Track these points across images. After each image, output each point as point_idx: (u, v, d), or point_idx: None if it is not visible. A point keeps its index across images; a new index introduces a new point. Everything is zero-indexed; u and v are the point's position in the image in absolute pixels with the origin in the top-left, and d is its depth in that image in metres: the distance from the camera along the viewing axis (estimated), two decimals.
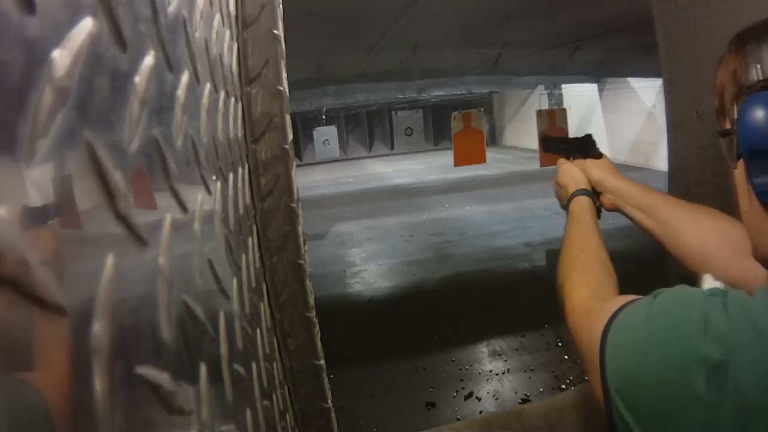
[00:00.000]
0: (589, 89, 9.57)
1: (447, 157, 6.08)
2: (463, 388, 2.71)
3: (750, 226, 0.61)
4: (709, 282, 0.61)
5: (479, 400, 2.61)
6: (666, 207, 0.95)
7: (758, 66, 0.55)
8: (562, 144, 1.26)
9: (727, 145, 0.60)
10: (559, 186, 1.13)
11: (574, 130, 3.16)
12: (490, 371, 2.86)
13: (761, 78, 0.55)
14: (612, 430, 0.57)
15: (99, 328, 0.27)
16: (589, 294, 0.76)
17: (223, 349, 0.56)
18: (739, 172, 0.59)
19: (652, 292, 0.60)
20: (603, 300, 0.70)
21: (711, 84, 0.64)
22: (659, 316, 0.55)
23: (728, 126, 0.60)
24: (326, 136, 11.03)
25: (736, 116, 0.57)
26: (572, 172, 1.10)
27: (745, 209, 0.61)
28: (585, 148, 1.16)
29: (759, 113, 0.53)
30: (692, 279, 0.82)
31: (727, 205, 0.90)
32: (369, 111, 14.52)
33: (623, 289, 0.79)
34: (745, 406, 0.46)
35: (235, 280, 0.69)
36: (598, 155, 1.13)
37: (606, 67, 5.56)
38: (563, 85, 10.06)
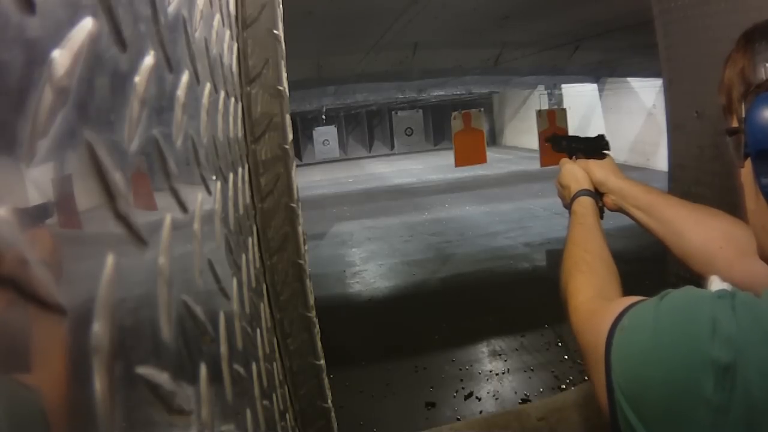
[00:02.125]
0: (589, 89, 9.57)
1: (447, 157, 6.08)
2: (463, 388, 2.71)
3: (756, 226, 0.61)
4: (716, 283, 0.61)
5: (479, 400, 2.61)
6: (669, 207, 0.94)
7: (767, 65, 0.55)
8: (573, 143, 1.23)
9: (734, 144, 0.59)
10: (561, 186, 1.12)
11: (574, 130, 3.16)
12: (490, 371, 2.86)
13: None
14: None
15: (99, 328, 0.27)
16: (593, 294, 0.76)
17: (223, 349, 0.55)
18: (746, 171, 0.58)
19: (651, 292, 0.60)
20: (607, 301, 0.69)
21: (718, 81, 0.63)
22: (667, 318, 0.54)
23: (735, 124, 0.59)
24: (326, 136, 11.05)
25: (744, 115, 0.56)
26: (575, 172, 1.09)
27: (752, 209, 0.60)
28: (598, 148, 1.14)
29: None
30: (693, 279, 0.82)
31: (727, 205, 0.90)
32: (369, 111, 14.53)
33: (623, 290, 0.79)
34: (754, 408, 0.46)
35: (235, 280, 0.69)
36: (602, 155, 1.12)
37: (606, 67, 5.56)
38: (563, 85, 10.06)
